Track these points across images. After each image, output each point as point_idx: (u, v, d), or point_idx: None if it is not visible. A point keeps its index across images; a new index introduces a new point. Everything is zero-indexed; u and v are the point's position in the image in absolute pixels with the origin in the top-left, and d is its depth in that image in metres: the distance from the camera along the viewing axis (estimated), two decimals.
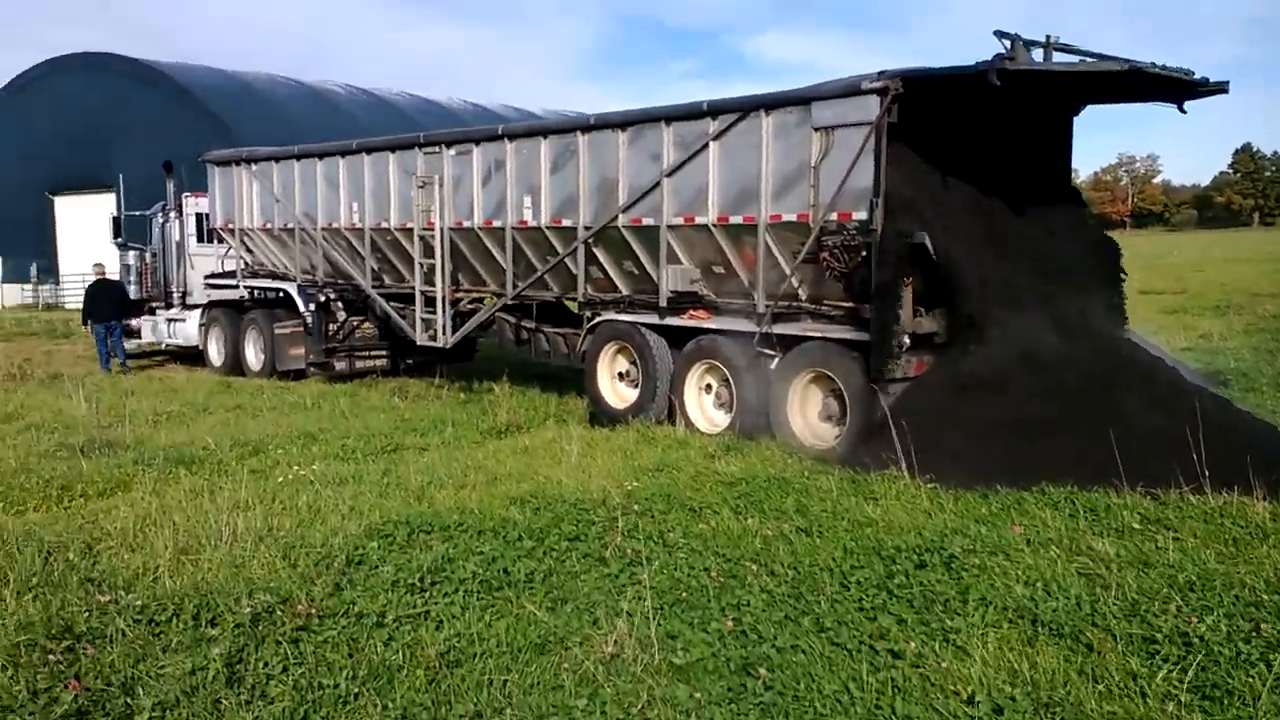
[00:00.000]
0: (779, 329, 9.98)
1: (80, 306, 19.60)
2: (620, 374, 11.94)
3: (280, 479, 8.70)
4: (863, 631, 5.02)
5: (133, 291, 19.95)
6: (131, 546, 6.62)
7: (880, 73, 8.94)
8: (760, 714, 4.24)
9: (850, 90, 9.13)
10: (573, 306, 13.04)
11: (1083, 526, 6.82)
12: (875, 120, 8.94)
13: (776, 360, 10.01)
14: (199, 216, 19.37)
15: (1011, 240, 9.48)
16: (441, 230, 13.61)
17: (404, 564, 5.98)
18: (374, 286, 15.35)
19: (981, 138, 9.79)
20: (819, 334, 9.70)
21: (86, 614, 5.19)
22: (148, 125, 36.82)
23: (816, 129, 9.48)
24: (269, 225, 16.97)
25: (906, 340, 9.11)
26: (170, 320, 19.57)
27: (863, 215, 9.18)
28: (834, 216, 9.37)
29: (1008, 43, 8.16)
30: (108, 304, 18.62)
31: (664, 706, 4.20)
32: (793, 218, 9.79)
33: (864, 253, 9.29)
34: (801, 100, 9.59)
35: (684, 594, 5.56)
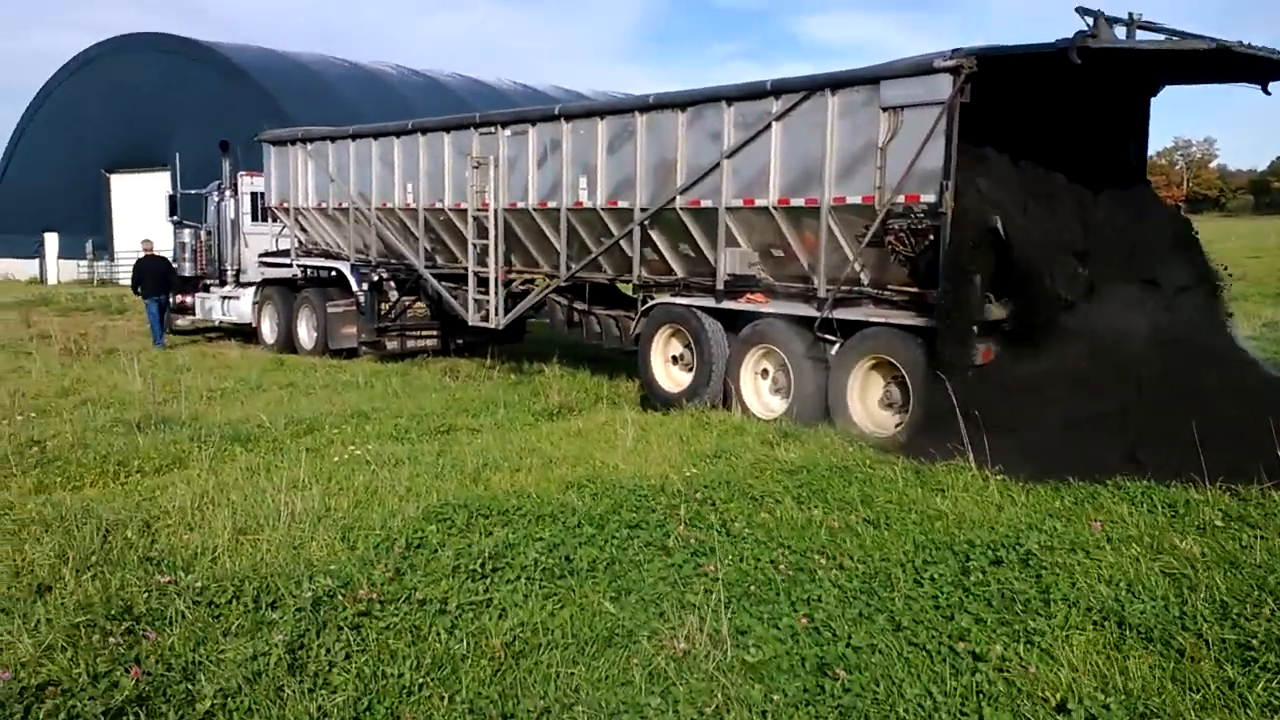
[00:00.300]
0: (840, 314, 9.75)
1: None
2: (674, 357, 11.77)
3: (336, 458, 8.64)
4: (941, 631, 4.82)
5: (187, 269, 20.09)
6: (190, 525, 6.57)
7: (953, 51, 8.65)
8: (839, 718, 4.07)
9: (921, 69, 8.85)
10: (626, 289, 12.88)
11: (1163, 523, 6.55)
12: (947, 100, 8.66)
13: (837, 346, 9.78)
14: (254, 195, 19.45)
15: (1086, 225, 9.15)
16: (496, 211, 13.50)
17: (464, 549, 5.87)
18: (427, 266, 15.29)
19: (1055, 119, 9.48)
20: (882, 319, 9.46)
21: (146, 595, 5.12)
22: (203, 105, 37.12)
23: (885, 109, 9.21)
24: (323, 205, 16.96)
25: (974, 327, 8.84)
26: (224, 298, 19.70)
27: (931, 198, 8.91)
28: (901, 199, 9.11)
29: (1090, 19, 7.83)
30: (152, 280, 18.82)
31: (740, 707, 4.04)
32: (857, 200, 9.55)
33: (932, 236, 9.03)
34: (869, 79, 9.33)
35: (752, 587, 5.39)
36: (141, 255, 19.36)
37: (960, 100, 8.64)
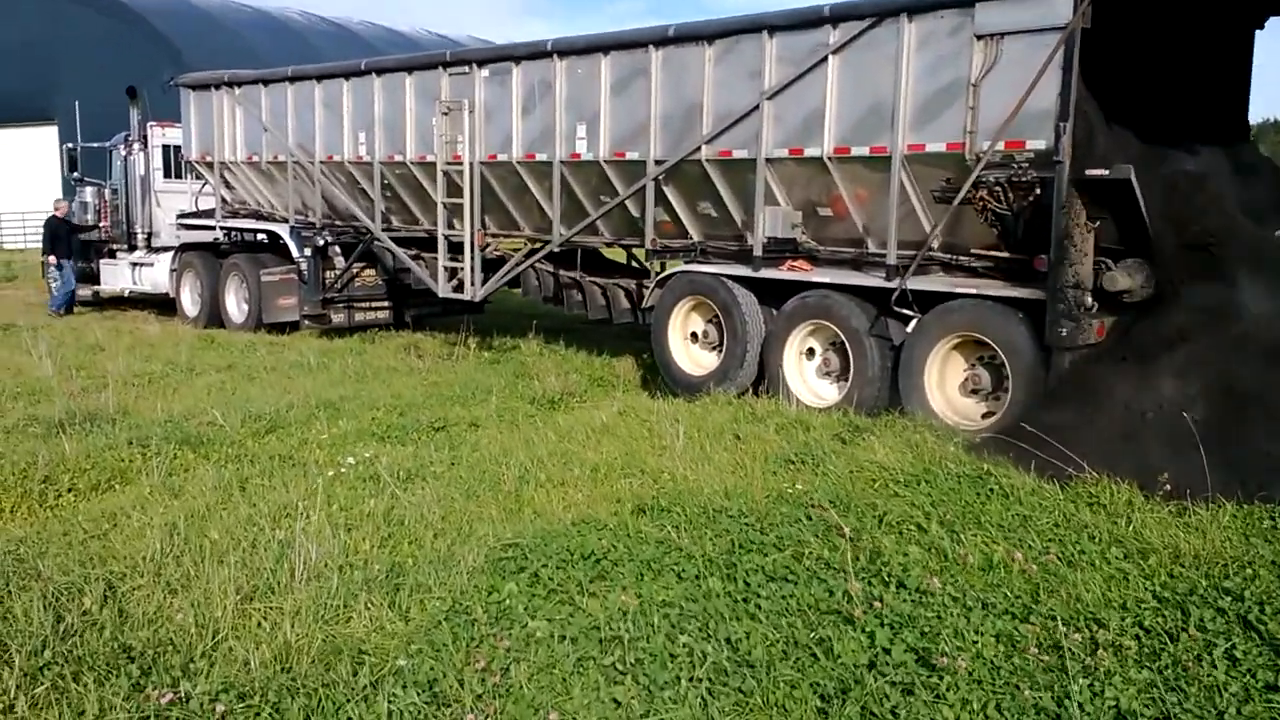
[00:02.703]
0: (918, 284, 8.28)
1: (25, 246, 17.63)
2: (694, 334, 10.20)
3: (329, 472, 6.88)
4: None
5: (91, 234, 17.77)
6: (171, 586, 4.81)
7: None
8: None
9: None
10: (638, 255, 11.25)
11: None
12: (1068, 24, 7.20)
13: (914, 322, 8.32)
14: (166, 149, 17.18)
15: (1208, 180, 7.83)
16: (471, 165, 11.68)
17: (568, 621, 4.27)
18: (383, 229, 13.39)
19: (1166, 54, 8.12)
20: (972, 290, 8.01)
21: None
22: (92, 52, 33.96)
23: (980, 37, 7.72)
24: (255, 158, 14.86)
25: (1090, 300, 7.48)
26: (135, 264, 17.44)
27: (1041, 144, 7.48)
28: (1000, 146, 7.66)
29: None
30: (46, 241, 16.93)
31: None
32: (940, 147, 8.07)
33: (1037, 190, 7.62)
34: (961, 1, 7.81)
35: (1004, 691, 3.87)
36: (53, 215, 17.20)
37: (1083, 25, 7.20)
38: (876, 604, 4.43)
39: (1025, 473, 6.50)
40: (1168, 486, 6.06)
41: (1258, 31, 8.82)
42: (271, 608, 4.52)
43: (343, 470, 6.88)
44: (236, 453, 7.79)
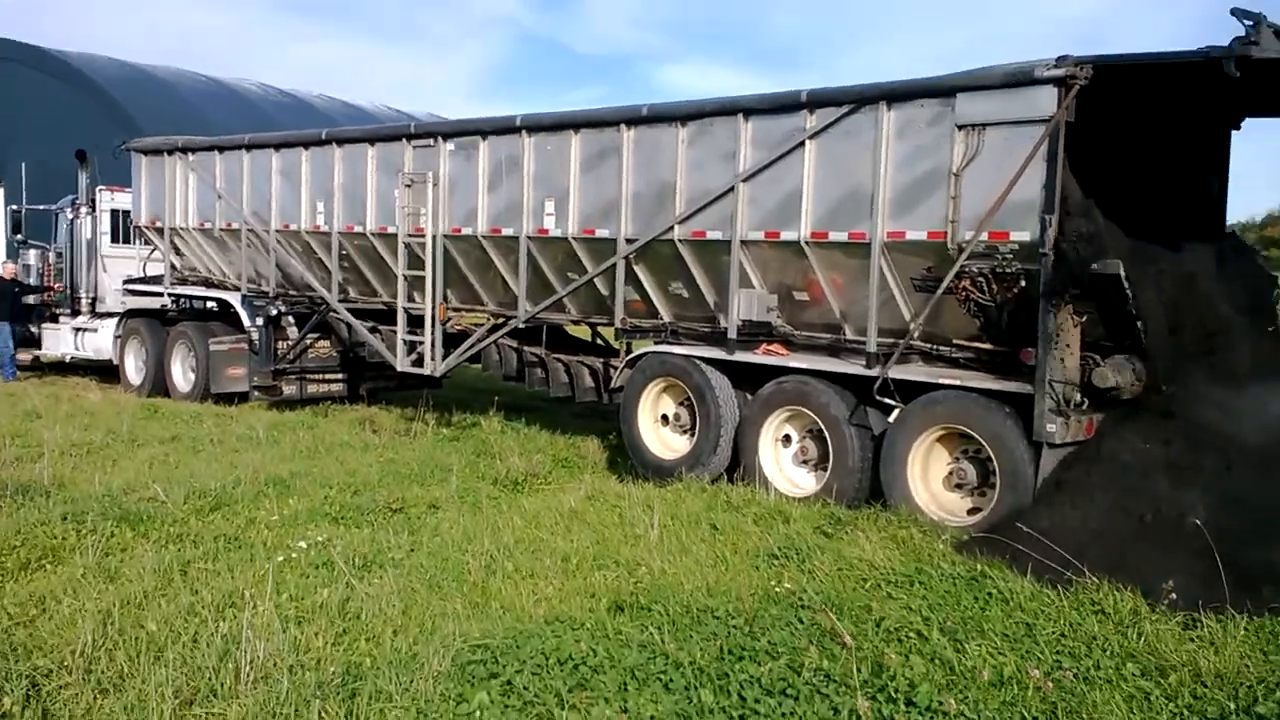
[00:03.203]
0: (899, 373, 8.06)
1: None
2: (664, 417, 9.88)
3: (279, 556, 6.40)
4: None
5: (33, 297, 17.16)
6: (100, 683, 4.32)
7: (1060, 58, 7.14)
8: None
9: (1017, 79, 7.31)
10: (605, 332, 10.96)
11: None
12: (1052, 117, 7.13)
13: (896, 412, 8.08)
14: (115, 213, 16.75)
15: (1199, 275, 7.75)
16: (434, 237, 11.39)
17: None
18: (340, 300, 12.99)
19: (1147, 150, 8.10)
20: (955, 381, 7.80)
21: None
22: (42, 117, 33.39)
23: (961, 127, 7.62)
24: (207, 225, 14.46)
25: (1079, 396, 7.30)
26: (78, 329, 16.83)
27: (1025, 236, 7.35)
28: (984, 236, 7.52)
29: (1250, 23, 6.40)
30: (6, 304, 16.18)
31: None
32: (920, 236, 7.92)
33: (1022, 282, 7.48)
34: (940, 91, 7.73)
35: None
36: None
37: (1067, 118, 7.13)
38: None
39: (1022, 575, 6.21)
40: (1173, 595, 5.79)
41: (1234, 133, 8.86)
42: (214, 714, 4.06)
43: (293, 555, 6.42)
44: (178, 532, 7.29)
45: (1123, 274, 6.96)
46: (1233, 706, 4.45)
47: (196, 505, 8.02)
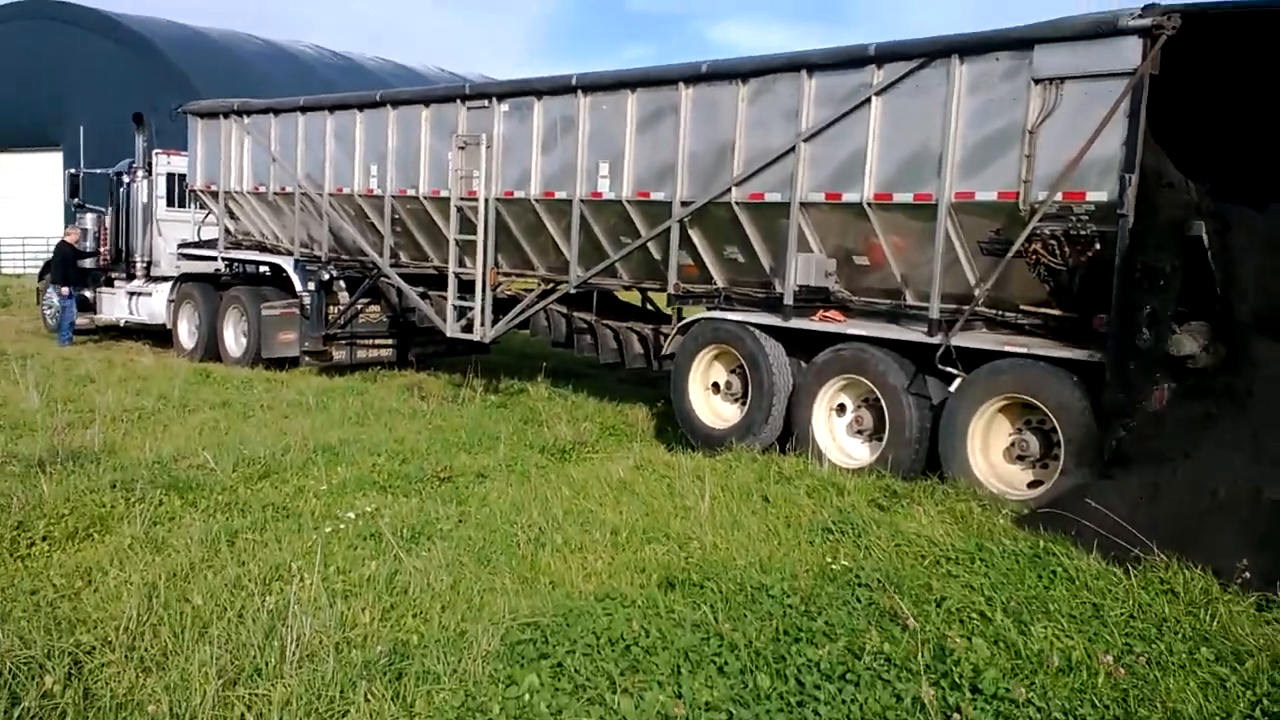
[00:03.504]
0: (962, 341, 7.75)
1: (23, 271, 17.17)
2: (715, 385, 9.65)
3: (327, 527, 6.30)
4: None
5: (89, 261, 17.29)
6: (144, 662, 4.23)
7: (1147, 6, 6.73)
8: None
9: (1099, 29, 6.91)
10: (655, 299, 10.74)
11: None
12: (1136, 70, 6.74)
13: (958, 382, 7.78)
14: (170, 177, 16.75)
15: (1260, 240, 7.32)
16: (486, 201, 11.20)
17: None
18: (391, 265, 12.89)
19: (1233, 105, 7.65)
20: (1022, 349, 7.48)
21: None
22: (102, 80, 33.76)
23: (1038, 81, 7.24)
24: (261, 189, 14.40)
25: (1152, 365, 6.95)
26: (133, 294, 16.92)
27: (1103, 196, 6.99)
28: (1058, 197, 7.16)
29: None
30: (57, 269, 16.39)
31: None
32: (991, 196, 7.57)
33: (1097, 245, 7.12)
34: (1017, 43, 7.35)
35: None
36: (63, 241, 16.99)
37: (1151, 71, 6.73)
38: (954, 716, 3.85)
39: (1088, 553, 5.93)
40: (1247, 574, 5.49)
41: None
42: (257, 695, 3.95)
43: (341, 526, 6.31)
44: (227, 500, 7.22)
45: (1205, 236, 6.59)
46: None
47: (245, 473, 7.97)
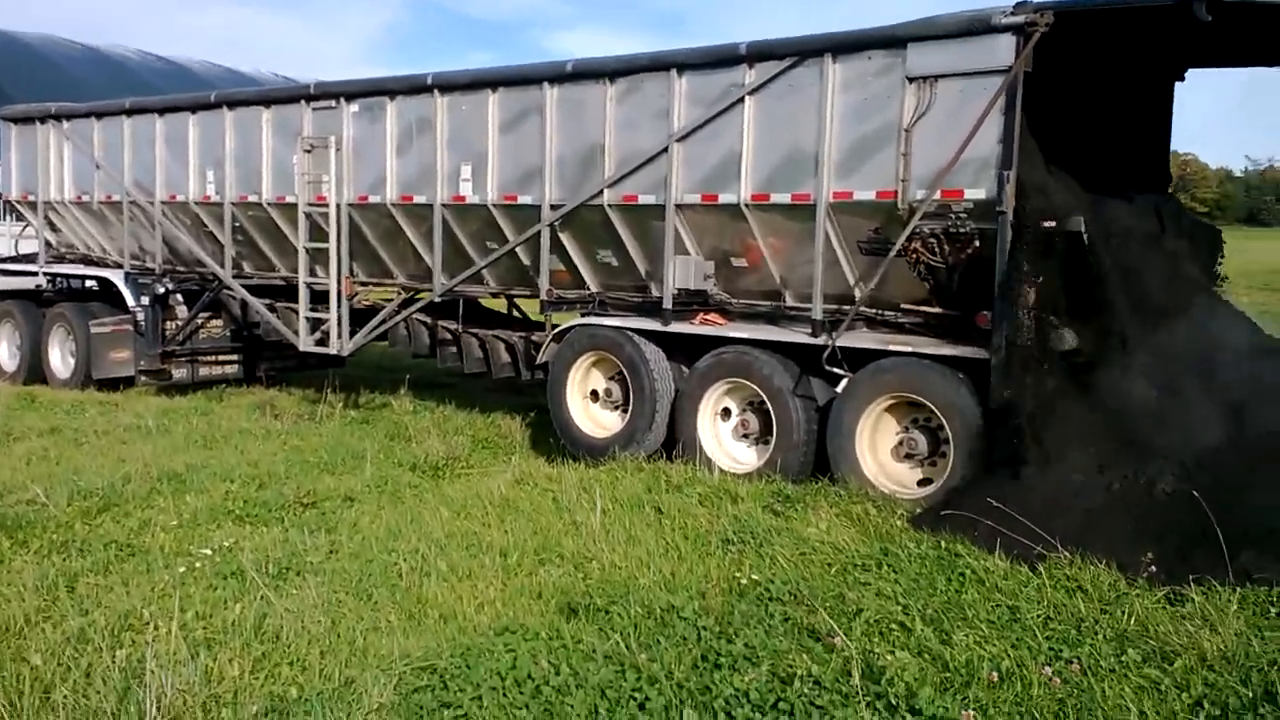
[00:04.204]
0: (847, 341, 7.64)
1: None
2: (594, 393, 9.32)
3: (182, 567, 5.68)
4: None
5: None
6: None
7: (1019, 4, 6.74)
8: None
9: (972, 27, 6.89)
10: (528, 306, 10.33)
11: None
12: (1010, 67, 6.74)
13: (844, 382, 7.67)
14: None
15: (1149, 233, 7.50)
16: (339, 206, 10.57)
17: None
18: (234, 276, 12.07)
19: (1095, 100, 7.80)
20: (906, 348, 7.42)
21: None
22: None
23: (912, 79, 7.18)
24: (85, 198, 13.32)
25: (1035, 360, 6.96)
26: None
27: (981, 194, 6.97)
28: (937, 195, 7.12)
29: None
30: None
31: None
32: (869, 196, 7.48)
33: (976, 242, 7.11)
34: (889, 41, 7.28)
35: None
36: None
37: (1025, 68, 6.75)
38: None
39: (991, 552, 5.86)
40: (1153, 567, 5.50)
41: (1178, 84, 8.63)
42: None
43: (196, 564, 5.70)
44: (63, 539, 6.51)
45: (1084, 231, 6.64)
46: (1249, 694, 4.12)
47: (82, 507, 7.24)
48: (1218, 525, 5.54)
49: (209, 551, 5.95)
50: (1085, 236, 6.65)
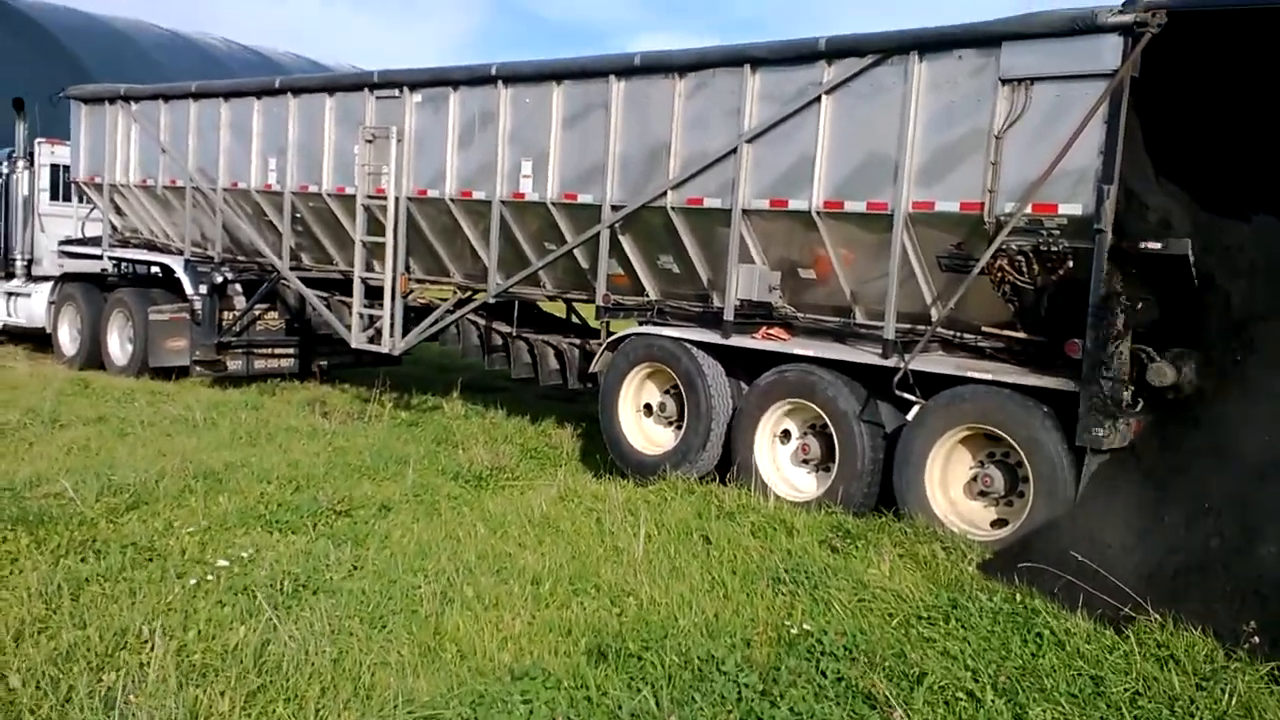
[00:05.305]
0: (921, 365, 7.06)
1: None
2: (648, 407, 8.85)
3: (191, 579, 5.33)
4: None
5: None
6: None
7: (1128, 2, 6.12)
8: None
9: (1075, 26, 6.28)
10: (586, 313, 9.90)
11: None
12: (1116, 71, 6.12)
13: (915, 409, 7.10)
14: (54, 168, 15.39)
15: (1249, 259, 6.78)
16: (396, 200, 10.26)
17: None
18: (292, 267, 11.84)
19: (1219, 111, 7.09)
20: (986, 375, 6.82)
21: None
22: None
23: (1006, 81, 6.59)
24: (150, 182, 13.22)
25: (1130, 395, 6.34)
26: (10, 294, 15.52)
27: (1077, 209, 6.36)
28: (1027, 209, 6.51)
29: None
30: None
31: None
32: (952, 207, 6.90)
33: (1069, 262, 6.49)
34: (982, 39, 6.69)
35: None
36: None
37: (1132, 73, 6.12)
38: None
39: (1072, 610, 5.27)
40: (1255, 639, 4.86)
41: None
42: None
43: (208, 577, 5.34)
44: (83, 538, 6.20)
45: (1190, 255, 5.99)
46: None
47: (110, 503, 6.96)
48: None
49: (226, 563, 5.59)
50: (1192, 261, 5.99)
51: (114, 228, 14.16)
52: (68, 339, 14.39)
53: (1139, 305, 6.27)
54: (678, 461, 8.26)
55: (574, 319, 11.24)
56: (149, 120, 13.12)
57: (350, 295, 11.07)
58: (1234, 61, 6.31)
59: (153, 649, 4.37)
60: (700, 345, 8.27)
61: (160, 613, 4.87)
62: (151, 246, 13.78)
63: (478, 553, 6.07)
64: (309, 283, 11.85)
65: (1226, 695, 4.40)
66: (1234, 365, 6.07)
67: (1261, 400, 5.90)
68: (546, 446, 10.03)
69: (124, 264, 14.33)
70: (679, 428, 8.46)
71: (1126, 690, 4.44)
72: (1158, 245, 6.06)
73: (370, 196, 10.45)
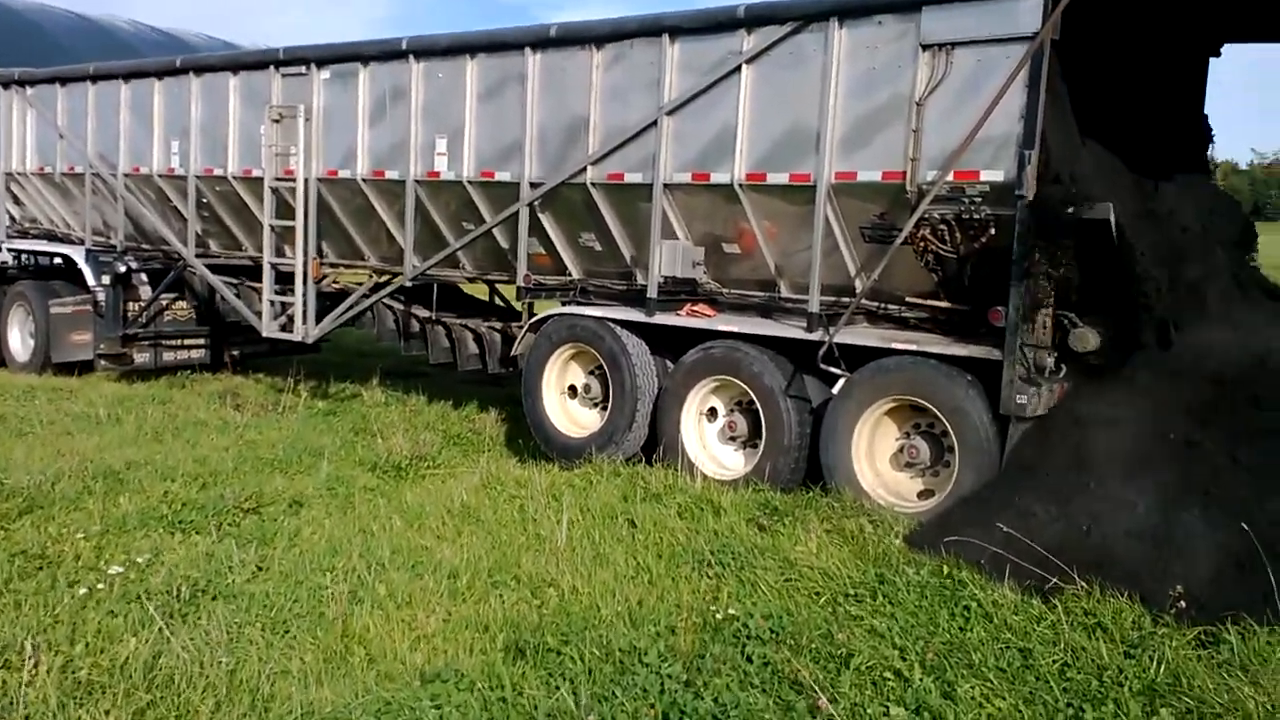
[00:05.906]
0: (846, 337, 6.93)
1: None
2: (572, 388, 8.62)
3: (83, 588, 5.00)
4: None
5: None
6: None
7: None
8: None
9: None
10: (509, 293, 9.62)
11: None
12: (1036, 34, 6.01)
13: (841, 383, 6.96)
14: None
15: (1170, 220, 6.77)
16: (306, 181, 9.86)
17: None
18: (199, 255, 11.37)
19: (1126, 75, 7.06)
20: (911, 346, 6.70)
21: None
22: None
23: (926, 47, 6.45)
24: (48, 169, 12.62)
25: (1052, 361, 6.28)
26: None
27: (999, 176, 6.25)
28: (949, 177, 6.39)
29: None
30: None
31: None
32: (874, 177, 6.76)
33: (991, 230, 6.39)
34: (904, 4, 6.54)
35: None
36: None
37: (1052, 36, 6.02)
38: None
39: (999, 580, 5.18)
40: (1182, 603, 4.81)
41: (1213, 60, 7.89)
42: None
43: (100, 585, 5.01)
44: None
45: (1112, 220, 5.92)
46: None
47: (2, 509, 6.54)
48: (1262, 551, 4.88)
49: (120, 569, 5.26)
50: (1114, 225, 5.92)
51: (12, 218, 13.53)
52: None
53: (1061, 271, 6.19)
54: (603, 443, 8.05)
55: (496, 301, 10.96)
56: (45, 105, 12.51)
57: (261, 282, 10.65)
58: (1144, 24, 6.25)
59: (35, 666, 4.05)
60: (624, 324, 8.05)
61: (46, 625, 4.55)
62: (52, 237, 13.18)
63: (392, 547, 5.81)
64: (217, 270, 11.38)
65: (1155, 662, 4.33)
66: (1156, 329, 6.03)
67: (1181, 360, 5.87)
68: (470, 432, 9.75)
69: (23, 256, 13.66)
70: (604, 409, 8.24)
71: (1055, 661, 4.35)
72: (1079, 210, 5.98)
73: (278, 179, 10.04)
